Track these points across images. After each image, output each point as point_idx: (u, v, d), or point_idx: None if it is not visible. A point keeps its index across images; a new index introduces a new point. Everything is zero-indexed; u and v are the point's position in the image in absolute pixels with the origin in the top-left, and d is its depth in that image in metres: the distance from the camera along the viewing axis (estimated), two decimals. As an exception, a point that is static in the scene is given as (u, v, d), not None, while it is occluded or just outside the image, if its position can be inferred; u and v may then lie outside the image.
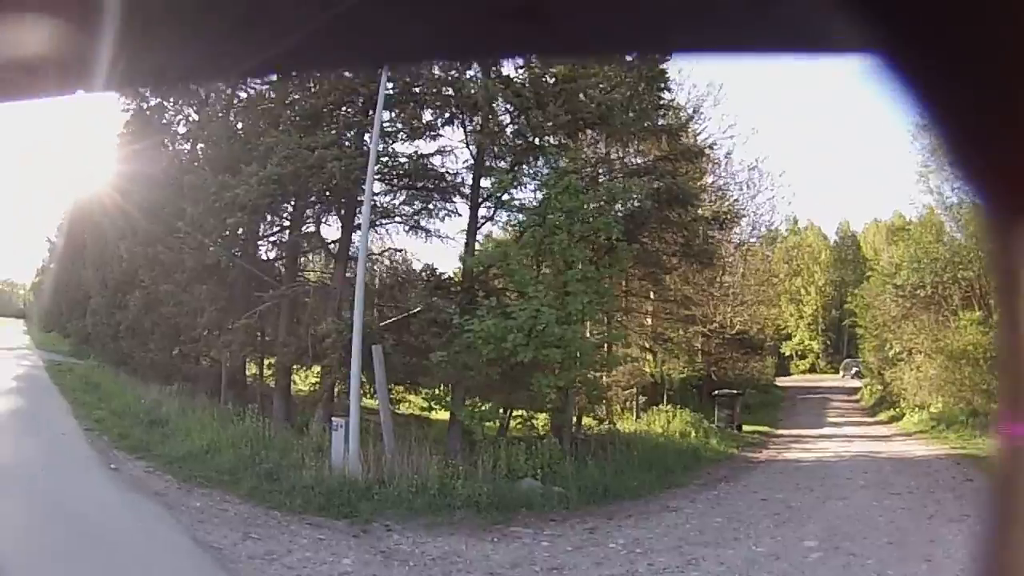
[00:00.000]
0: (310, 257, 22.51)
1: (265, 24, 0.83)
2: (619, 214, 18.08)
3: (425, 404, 18.98)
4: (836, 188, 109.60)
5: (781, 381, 45.43)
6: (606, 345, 20.75)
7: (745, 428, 25.96)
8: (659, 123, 20.73)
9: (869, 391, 37.69)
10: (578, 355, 16.51)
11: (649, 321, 26.92)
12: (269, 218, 20.76)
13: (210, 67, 1.08)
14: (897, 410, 30.03)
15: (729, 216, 26.65)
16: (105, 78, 0.99)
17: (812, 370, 59.11)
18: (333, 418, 15.38)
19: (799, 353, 60.08)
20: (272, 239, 21.71)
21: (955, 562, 10.52)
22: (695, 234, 22.51)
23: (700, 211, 23.29)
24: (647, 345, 26.75)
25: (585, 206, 16.75)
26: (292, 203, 19.75)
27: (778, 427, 28.28)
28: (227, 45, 0.91)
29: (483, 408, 17.04)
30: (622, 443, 18.48)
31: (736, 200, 28.99)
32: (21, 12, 0.88)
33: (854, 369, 50.79)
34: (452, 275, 19.54)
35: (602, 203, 17.41)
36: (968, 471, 17.79)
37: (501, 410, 17.54)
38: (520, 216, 17.74)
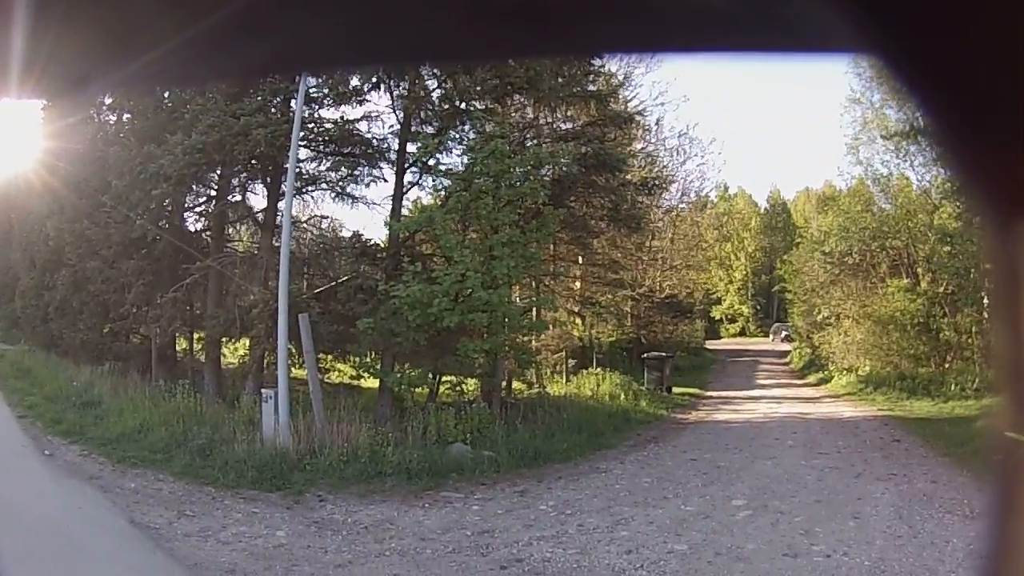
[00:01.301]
0: (237, 227, 22.18)
1: (262, 24, 0.82)
2: (546, 179, 17.98)
3: (354, 372, 18.80)
4: (768, 157, 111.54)
5: (711, 344, 46.21)
6: (534, 309, 20.69)
7: (675, 390, 26.22)
8: (588, 89, 20.55)
9: (798, 354, 38.53)
10: (505, 319, 16.47)
11: (577, 285, 26.99)
12: (195, 188, 20.28)
13: (207, 68, 1.07)
14: (826, 373, 30.73)
15: (658, 182, 26.83)
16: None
17: (742, 334, 60.26)
18: (263, 390, 15.16)
19: (729, 317, 61.17)
20: (199, 210, 21.31)
21: (882, 519, 10.87)
22: (623, 199, 22.48)
23: (628, 176, 23.30)
24: (576, 309, 26.85)
25: (512, 170, 16.61)
26: (218, 172, 19.28)
27: (708, 389, 28.67)
28: (226, 44, 0.89)
29: (412, 374, 16.92)
30: (552, 406, 18.53)
31: (666, 166, 29.30)
32: None
33: (784, 333, 51.92)
34: (378, 242, 19.36)
35: (529, 168, 17.23)
36: (895, 432, 18.29)
37: (430, 376, 17.44)
38: (446, 181, 17.48)
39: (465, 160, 17.28)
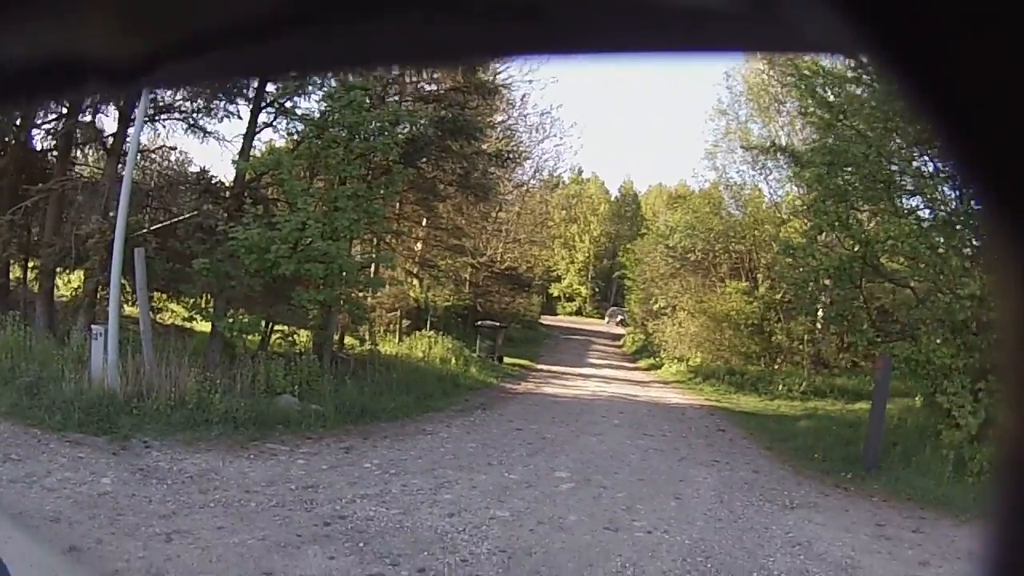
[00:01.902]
0: (84, 151, 20.67)
1: (261, 23, 0.80)
2: (400, 137, 17.49)
3: (187, 314, 17.95)
4: (627, 149, 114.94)
5: (547, 319, 47.01)
6: (373, 266, 20.23)
7: (507, 360, 26.54)
8: (459, 53, 20.09)
9: (632, 339, 39.83)
10: (342, 273, 15.99)
11: (419, 247, 26.66)
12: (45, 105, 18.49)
13: (206, 67, 1.01)
14: (657, 359, 31.86)
15: (513, 155, 26.80)
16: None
17: (578, 313, 61.76)
18: (93, 326, 14.29)
19: (567, 296, 62.52)
20: (47, 127, 19.48)
21: (703, 502, 11.07)
22: (474, 167, 22.36)
23: (484, 146, 23.15)
24: (414, 271, 26.49)
25: (367, 124, 16.15)
26: (71, 88, 17.59)
27: (539, 362, 29.15)
28: (225, 44, 0.86)
29: (244, 320, 16.32)
30: (382, 364, 18.34)
31: (523, 142, 29.30)
32: None
33: (619, 317, 53.51)
34: (224, 180, 18.66)
35: (385, 123, 16.72)
36: (721, 422, 18.89)
37: (263, 324, 16.91)
38: (299, 126, 17.03)
39: (322, 107, 16.67)
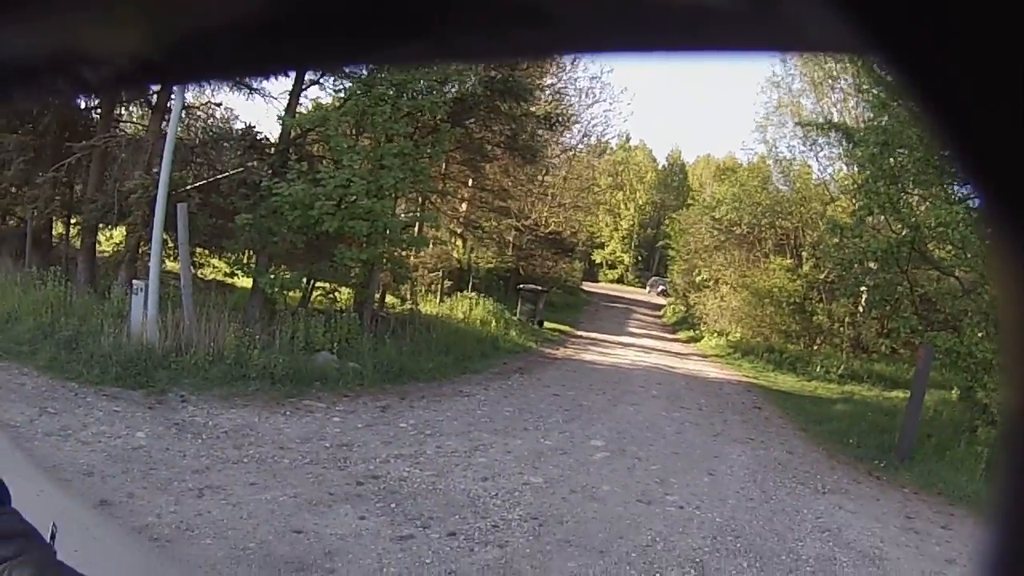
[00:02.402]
0: (128, 109, 20.62)
1: (260, 23, 0.76)
2: (448, 96, 17.34)
3: (229, 270, 17.97)
4: (676, 118, 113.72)
5: (588, 286, 46.85)
6: (417, 225, 20.19)
7: (546, 325, 26.42)
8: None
9: (672, 310, 39.62)
10: (386, 231, 15.96)
11: (463, 207, 26.59)
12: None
13: (205, 66, 0.96)
14: (697, 332, 31.59)
15: (561, 118, 26.47)
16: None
17: (620, 281, 61.57)
18: (134, 281, 14.31)
19: (609, 263, 62.33)
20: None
21: (736, 480, 11.00)
22: (523, 129, 22.14)
23: (533, 108, 22.85)
24: (458, 231, 26.44)
25: (415, 81, 15.97)
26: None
27: (579, 328, 29.06)
28: (223, 44, 0.81)
29: (286, 277, 16.27)
30: (422, 325, 18.30)
31: (572, 106, 28.94)
32: None
33: (660, 287, 53.25)
34: (269, 137, 18.44)
35: (433, 82, 16.58)
36: (757, 399, 18.66)
37: (305, 281, 16.91)
38: (347, 83, 16.70)
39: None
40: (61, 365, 11.79)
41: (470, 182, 25.39)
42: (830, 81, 28.04)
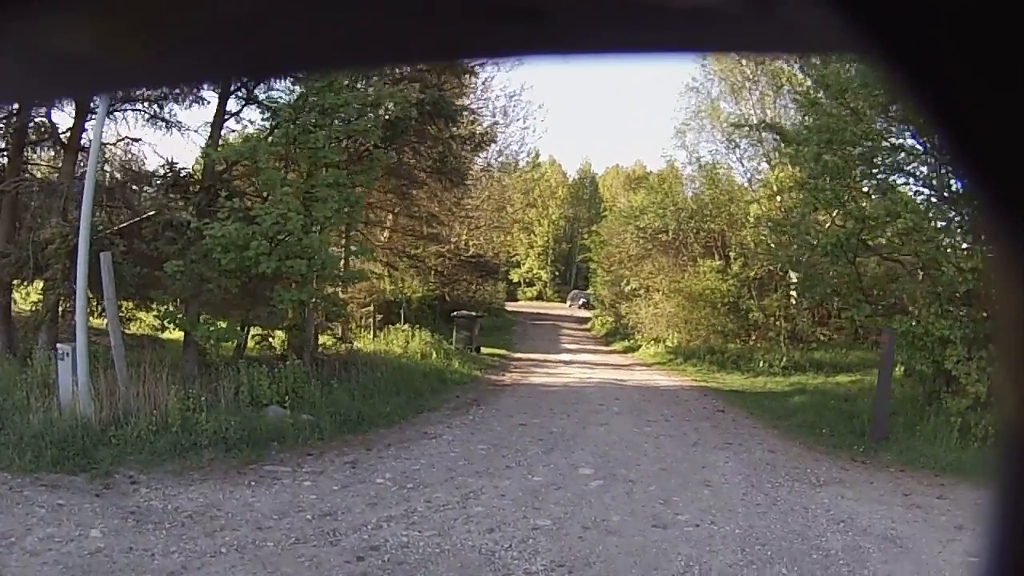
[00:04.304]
0: (38, 151, 18.21)
1: (260, 24, 0.78)
2: (380, 120, 16.08)
3: (158, 322, 16.31)
4: (582, 131, 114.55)
5: (510, 305, 46.19)
6: (343, 259, 19.00)
7: (483, 350, 25.53)
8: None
9: (600, 322, 39.47)
10: (323, 268, 14.78)
11: (385, 236, 25.41)
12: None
13: (205, 67, 0.96)
14: (632, 341, 31.47)
15: (485, 138, 25.47)
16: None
17: (539, 297, 61.35)
18: (59, 345, 12.65)
19: (527, 281, 61.97)
20: None
21: (734, 487, 10.59)
22: (450, 152, 21.16)
23: (456, 129, 21.88)
24: (387, 261, 25.17)
25: (346, 106, 14.66)
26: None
27: (515, 351, 28.30)
28: (223, 44, 0.83)
29: (222, 327, 14.95)
30: (364, 364, 17.08)
31: (490, 125, 28.09)
32: None
33: (581, 300, 53.26)
34: (192, 172, 16.90)
35: (363, 106, 15.28)
36: (716, 402, 18.44)
37: (238, 328, 15.48)
38: (271, 110, 15.45)
39: (296, 90, 15.01)
40: (-16, 448, 10.15)
41: (396, 209, 24.11)
42: (749, 84, 28.06)
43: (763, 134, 25.95)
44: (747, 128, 26.51)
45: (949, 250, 15.08)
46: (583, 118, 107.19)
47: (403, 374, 17.35)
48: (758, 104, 28.10)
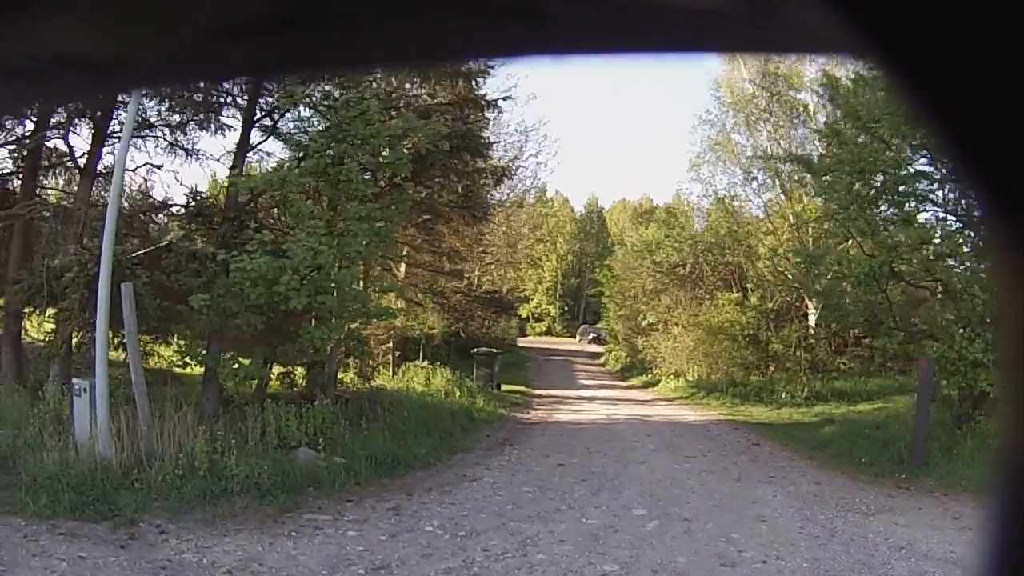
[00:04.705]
0: (52, 175, 17.64)
1: (259, 24, 0.77)
2: (409, 152, 15.48)
3: (179, 358, 15.28)
4: (587, 165, 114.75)
5: (520, 341, 45.64)
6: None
7: (503, 387, 25.04)
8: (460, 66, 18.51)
9: (614, 357, 39.04)
10: (353, 304, 14.30)
11: (402, 271, 24.87)
12: (8, 123, 15.61)
13: (204, 67, 0.96)
14: (651, 376, 31.03)
15: (507, 172, 24.99)
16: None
17: (548, 332, 60.83)
18: (74, 380, 11.77)
19: (536, 316, 61.48)
20: (11, 147, 16.30)
21: (790, 521, 10.27)
22: (475, 185, 20.72)
23: (481, 163, 21.41)
24: (408, 297, 24.50)
25: (379, 136, 14.09)
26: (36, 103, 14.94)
27: (534, 387, 27.76)
28: (223, 44, 0.81)
29: (247, 364, 14.17)
30: (388, 402, 16.48)
31: (508, 158, 27.60)
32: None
33: (591, 335, 52.92)
34: (214, 200, 16.29)
35: (396, 137, 14.75)
36: (749, 436, 18.22)
37: (262, 364, 14.63)
38: (302, 139, 14.74)
39: (322, 122, 14.53)
40: (-4, 490, 9.27)
41: (418, 242, 23.34)
42: (764, 116, 27.82)
43: (781, 166, 25.77)
44: (770, 160, 26.27)
45: (982, 275, 14.77)
46: (588, 152, 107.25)
47: (430, 413, 16.76)
48: (773, 136, 27.81)
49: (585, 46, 0.76)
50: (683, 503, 11.09)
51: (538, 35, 0.75)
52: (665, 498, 11.38)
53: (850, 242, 18.06)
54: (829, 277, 18.87)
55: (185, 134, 16.06)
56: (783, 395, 23.48)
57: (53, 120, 15.05)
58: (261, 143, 15.97)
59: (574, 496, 11.32)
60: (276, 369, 15.48)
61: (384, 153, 14.43)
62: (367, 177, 14.30)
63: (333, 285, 13.52)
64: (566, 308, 64.75)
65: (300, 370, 15.99)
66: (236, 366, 14.01)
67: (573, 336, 58.06)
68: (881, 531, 9.78)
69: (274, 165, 15.52)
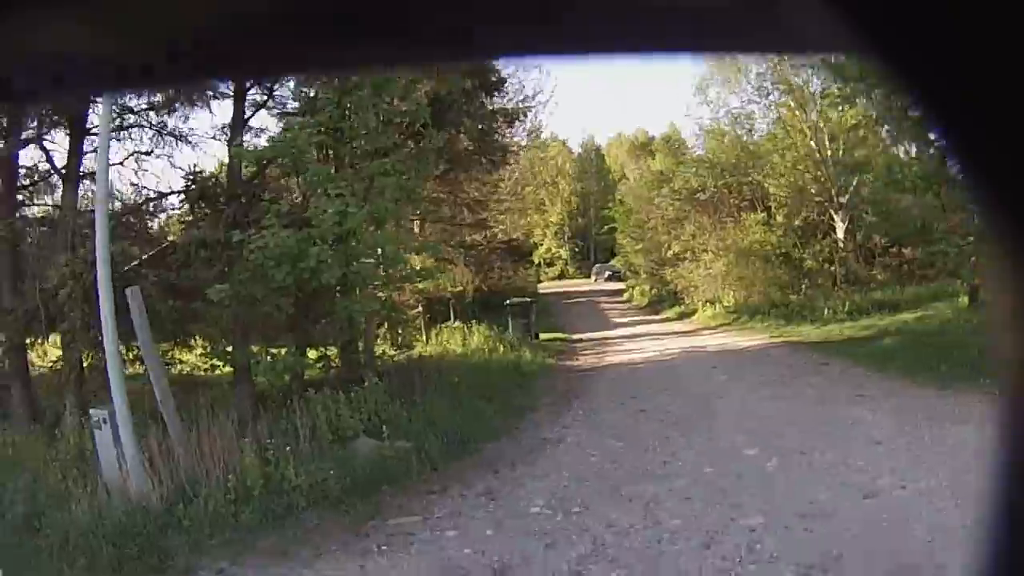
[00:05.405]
0: (30, 191, 14.86)
1: (259, 24, 0.75)
2: (424, 96, 13.93)
3: (203, 361, 13.95)
4: (578, 102, 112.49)
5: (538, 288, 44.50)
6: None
7: (541, 337, 23.99)
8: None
9: (639, 291, 38.13)
10: (396, 267, 13.06)
11: (422, 227, 23.29)
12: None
13: (204, 67, 0.89)
14: (684, 306, 30.06)
15: (519, 113, 23.22)
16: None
17: (561, 276, 59.71)
18: (92, 410, 9.85)
19: (547, 261, 60.27)
20: None
21: (901, 438, 9.44)
22: (492, 128, 19.23)
23: (498, 101, 19.86)
24: (447, 254, 22.96)
25: (392, 82, 12.41)
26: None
27: (569, 332, 26.65)
28: (223, 45, 0.79)
29: (283, 356, 12.61)
30: (434, 371, 15.18)
31: (523, 98, 25.72)
32: None
33: (607, 273, 51.89)
34: (216, 177, 14.56)
35: (409, 82, 13.14)
36: (810, 355, 17.64)
37: (296, 352, 13.16)
38: (304, 92, 13.33)
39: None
40: (23, 560, 7.53)
41: (440, 195, 21.46)
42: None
43: (795, 79, 24.52)
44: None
45: None
46: (578, 90, 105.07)
47: (480, 375, 15.45)
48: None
49: (585, 46, 0.75)
50: (788, 435, 10.07)
51: (539, 35, 0.73)
52: (767, 432, 10.32)
53: (898, 148, 17.08)
54: (876, 183, 17.73)
55: (171, 114, 14.38)
56: (825, 311, 22.61)
57: (25, 133, 13.35)
58: (259, 110, 14.47)
59: (673, 444, 10.17)
60: (311, 354, 14.02)
61: (396, 102, 13.00)
62: (387, 127, 12.80)
63: (370, 251, 12.26)
64: (576, 249, 63.58)
65: (333, 351, 14.67)
66: (269, 358, 12.54)
67: (588, 276, 57.21)
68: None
69: (287, 125, 14.01)
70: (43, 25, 0.74)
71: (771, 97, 27.45)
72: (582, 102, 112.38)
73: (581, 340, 24.52)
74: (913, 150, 16.87)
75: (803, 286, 25.58)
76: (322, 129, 12.40)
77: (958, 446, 8.71)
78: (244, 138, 13.81)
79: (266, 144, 13.47)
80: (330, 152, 13.25)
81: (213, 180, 14.46)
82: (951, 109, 0.56)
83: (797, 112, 26.44)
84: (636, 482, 8.63)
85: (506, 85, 19.94)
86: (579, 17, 0.70)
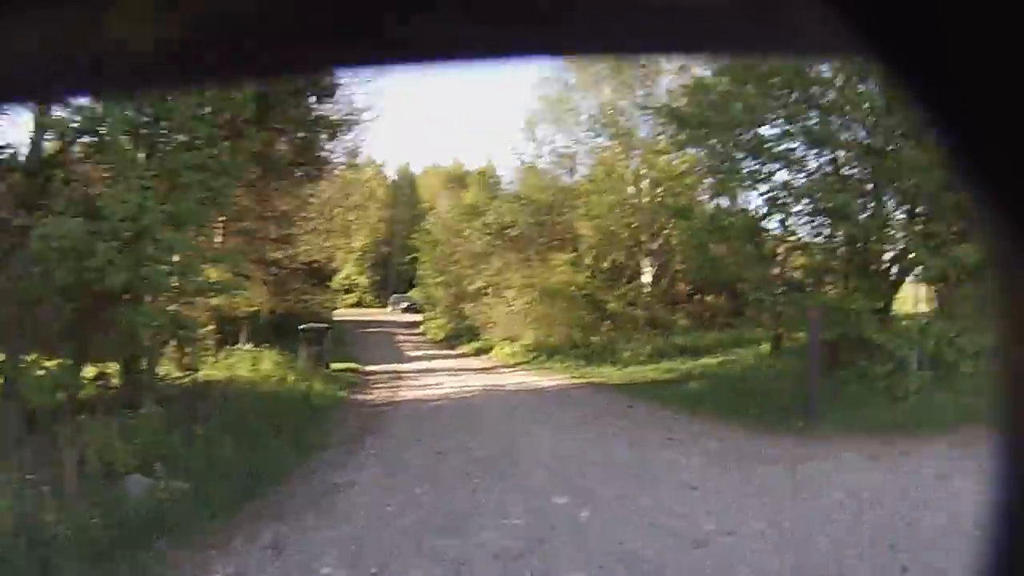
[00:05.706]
0: None
1: (259, 24, 0.75)
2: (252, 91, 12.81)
3: None
4: (396, 129, 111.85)
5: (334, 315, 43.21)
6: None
7: (332, 366, 22.85)
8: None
9: (436, 325, 37.65)
10: (191, 277, 11.73)
11: (219, 240, 21.56)
12: None
13: (204, 68, 0.88)
14: (480, 343, 29.83)
15: (346, 125, 21.90)
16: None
17: (358, 304, 58.43)
18: None
19: (346, 288, 58.81)
20: None
21: (717, 483, 9.47)
22: (316, 136, 17.99)
23: (322, 108, 18.59)
24: (243, 269, 21.21)
25: None
26: None
27: (362, 363, 25.69)
28: (223, 44, 0.78)
29: (57, 370, 11.02)
30: (219, 397, 13.73)
31: (348, 112, 24.37)
32: None
33: (404, 304, 51.22)
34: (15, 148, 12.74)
35: None
36: (615, 397, 17.34)
37: (72, 366, 11.57)
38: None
39: None
40: None
41: (246, 203, 19.50)
42: (607, 75, 26.56)
43: (623, 122, 24.84)
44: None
45: (874, 228, 15.10)
46: (397, 117, 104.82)
47: (269, 405, 14.18)
48: (617, 94, 26.60)
49: (585, 47, 0.79)
50: (598, 481, 9.66)
51: (536, 35, 0.73)
52: (577, 477, 9.91)
53: (719, 198, 17.97)
54: (694, 231, 18.20)
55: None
56: (626, 354, 23.03)
57: None
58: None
59: (477, 490, 9.45)
60: (90, 371, 12.48)
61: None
62: (204, 119, 11.50)
63: (165, 256, 10.90)
64: (377, 278, 62.66)
65: (113, 367, 13.09)
66: (41, 372, 10.97)
67: (385, 306, 56.50)
68: (816, 478, 9.32)
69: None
70: (32, 26, 0.71)
71: (599, 139, 27.71)
72: (403, 127, 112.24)
73: (375, 372, 23.85)
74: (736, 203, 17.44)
75: (605, 328, 25.75)
76: (138, 108, 10.97)
77: (781, 488, 8.91)
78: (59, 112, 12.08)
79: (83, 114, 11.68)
80: (140, 134, 11.72)
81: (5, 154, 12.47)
82: (951, 109, 0.55)
83: (622, 156, 26.70)
84: (441, 535, 7.79)
85: (337, 93, 18.74)
86: (579, 17, 0.69)
